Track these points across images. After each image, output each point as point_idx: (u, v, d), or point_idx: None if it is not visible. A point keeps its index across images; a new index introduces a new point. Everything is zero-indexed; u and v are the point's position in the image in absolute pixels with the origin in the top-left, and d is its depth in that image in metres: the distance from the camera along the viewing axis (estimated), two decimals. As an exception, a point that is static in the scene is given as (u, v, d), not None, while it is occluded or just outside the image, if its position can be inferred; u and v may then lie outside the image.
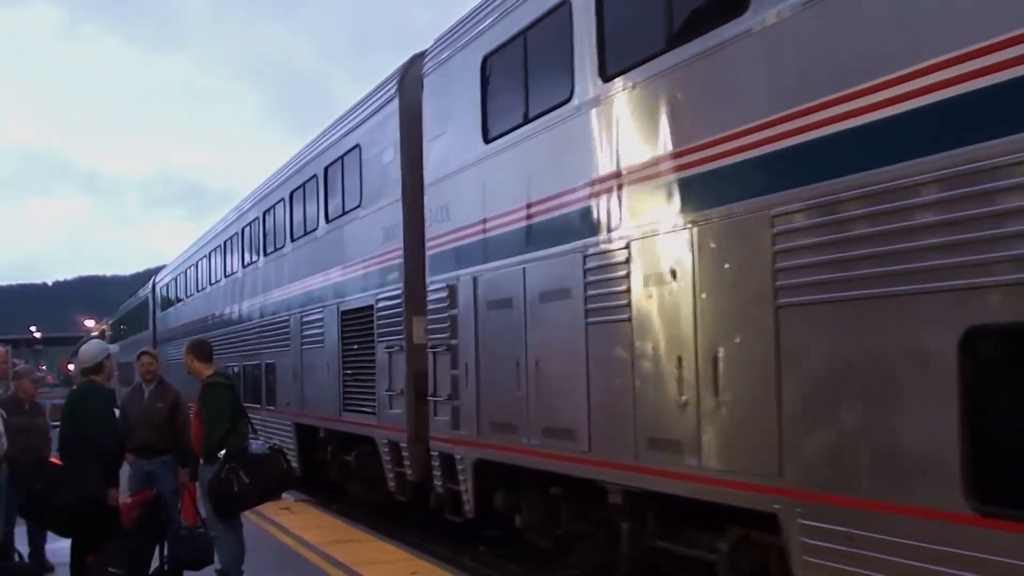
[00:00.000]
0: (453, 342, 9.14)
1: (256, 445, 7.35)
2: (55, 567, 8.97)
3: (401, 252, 10.62)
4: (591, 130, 7.09)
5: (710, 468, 5.81)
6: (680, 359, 6.05)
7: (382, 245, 11.11)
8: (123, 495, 7.86)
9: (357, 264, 11.97)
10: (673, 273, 6.14)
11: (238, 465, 6.95)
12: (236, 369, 18.11)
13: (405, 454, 10.49)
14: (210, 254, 22.04)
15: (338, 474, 13.40)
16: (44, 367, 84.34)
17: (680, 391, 6.05)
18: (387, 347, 10.88)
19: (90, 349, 8.21)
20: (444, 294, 9.37)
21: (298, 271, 14.67)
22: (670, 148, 6.22)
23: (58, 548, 8.87)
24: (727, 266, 5.73)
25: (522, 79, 8.06)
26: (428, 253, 9.83)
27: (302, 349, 14.30)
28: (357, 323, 11.94)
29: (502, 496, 8.67)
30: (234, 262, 19.42)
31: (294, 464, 14.66)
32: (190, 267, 24.85)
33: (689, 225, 5.99)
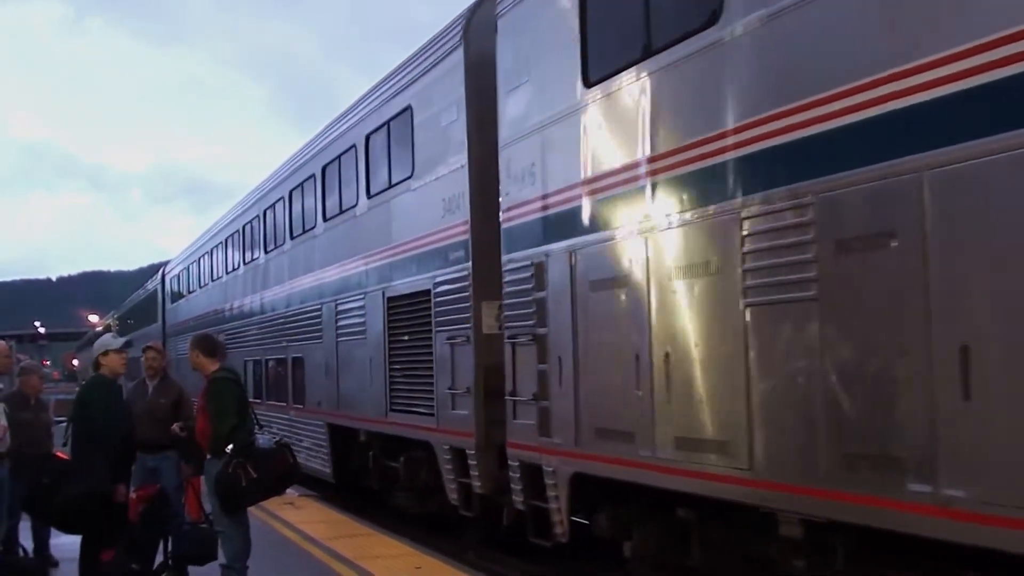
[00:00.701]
0: (540, 331, 7.59)
1: (262, 440, 7.27)
2: (59, 562, 8.96)
3: (467, 226, 9.06)
4: (746, 59, 5.54)
5: (955, 497, 4.27)
6: (903, 348, 4.51)
7: (441, 219, 9.56)
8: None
9: (408, 243, 10.41)
10: (890, 235, 4.60)
11: (246, 460, 6.84)
12: (261, 363, 16.63)
13: (472, 462, 8.95)
14: (226, 240, 20.45)
15: (381, 482, 11.85)
16: (48, 362, 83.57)
17: (903, 392, 4.52)
18: (449, 338, 9.35)
19: (95, 344, 8.01)
20: (527, 274, 7.82)
21: (332, 254, 13.11)
22: (880, 67, 4.66)
23: (62, 543, 8.82)
24: (986, 222, 4.18)
25: (642, 3, 6.52)
26: (504, 226, 8.28)
27: (337, 341, 12.75)
28: (409, 311, 10.39)
29: (607, 518, 7.12)
30: (254, 248, 17.86)
31: (327, 469, 13.21)
32: (204, 255, 23.26)
33: (918, 169, 4.45)
